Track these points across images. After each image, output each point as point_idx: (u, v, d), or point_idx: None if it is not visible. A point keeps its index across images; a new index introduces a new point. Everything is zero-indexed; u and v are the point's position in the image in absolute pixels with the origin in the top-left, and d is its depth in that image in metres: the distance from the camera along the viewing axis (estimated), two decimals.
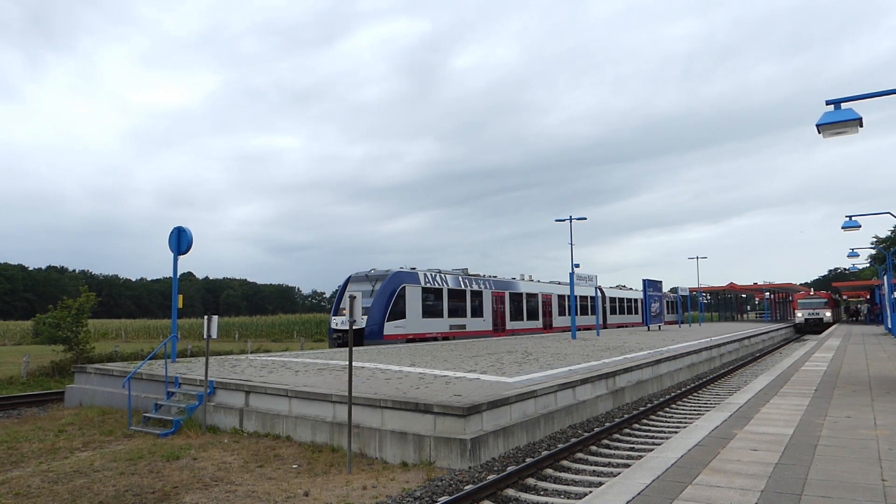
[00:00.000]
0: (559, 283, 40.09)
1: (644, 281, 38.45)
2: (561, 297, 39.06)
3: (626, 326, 48.09)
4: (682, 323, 49.10)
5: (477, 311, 30.95)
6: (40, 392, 17.43)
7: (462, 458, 8.34)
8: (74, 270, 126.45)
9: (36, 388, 18.73)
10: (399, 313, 25.92)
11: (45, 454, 9.96)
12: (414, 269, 28.24)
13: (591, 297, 40.93)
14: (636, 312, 52.19)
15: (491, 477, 7.82)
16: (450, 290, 29.20)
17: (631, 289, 55.09)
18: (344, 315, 21.26)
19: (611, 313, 46.25)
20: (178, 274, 16.34)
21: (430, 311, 27.84)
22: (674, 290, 52.33)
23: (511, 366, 14.22)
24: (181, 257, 16.05)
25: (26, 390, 18.26)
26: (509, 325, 33.46)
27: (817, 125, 9.68)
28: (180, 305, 17.37)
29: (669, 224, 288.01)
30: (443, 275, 29.35)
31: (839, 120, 9.52)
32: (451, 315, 28.93)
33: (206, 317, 11.79)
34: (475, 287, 31.11)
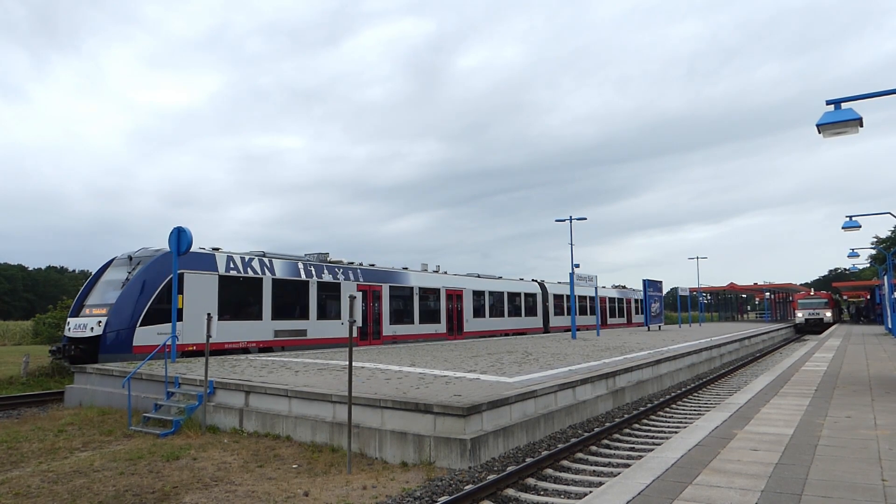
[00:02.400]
0: (478, 277, 33.07)
1: (644, 281, 38.43)
2: (479, 294, 31.81)
3: (578, 329, 42.31)
4: (682, 324, 49.02)
5: (329, 311, 23.09)
6: (40, 392, 17.42)
7: (462, 458, 8.34)
8: (74, 270, 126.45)
9: (36, 388, 18.72)
10: (161, 314, 17.40)
11: (45, 454, 9.96)
12: (216, 249, 20.16)
13: (528, 294, 35.95)
14: (593, 312, 43.57)
15: (491, 477, 7.82)
16: (276, 281, 21.23)
17: (605, 287, 49.26)
18: (88, 317, 17.43)
19: (556, 314, 39.35)
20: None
21: (235, 309, 19.81)
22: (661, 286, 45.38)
23: (511, 366, 14.21)
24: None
25: (26, 390, 18.25)
26: (388, 328, 25.74)
27: (817, 125, 9.68)
28: (180, 306, 17.36)
29: (670, 224, 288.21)
30: (267, 259, 21.56)
31: (839, 120, 9.52)
32: (279, 316, 21.09)
33: (206, 317, 11.80)
34: (327, 278, 23.23)
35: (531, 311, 36.57)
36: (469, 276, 32.35)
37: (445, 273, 31.23)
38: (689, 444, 6.85)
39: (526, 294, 36.20)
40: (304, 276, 22.41)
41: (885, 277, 36.97)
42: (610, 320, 46.44)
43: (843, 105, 9.69)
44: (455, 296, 30.11)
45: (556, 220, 30.53)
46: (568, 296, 39.74)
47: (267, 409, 10.98)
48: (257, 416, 10.98)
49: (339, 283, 23.81)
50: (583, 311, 42.38)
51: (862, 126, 9.58)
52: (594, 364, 14.72)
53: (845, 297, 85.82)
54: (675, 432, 10.96)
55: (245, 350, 19.97)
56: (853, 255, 34.13)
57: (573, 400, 11.88)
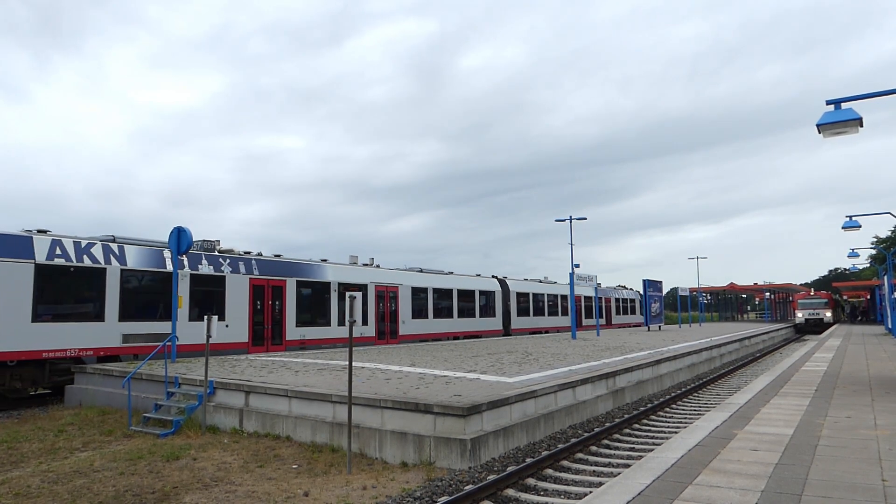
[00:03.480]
0: (420, 272, 29.25)
1: (644, 281, 38.43)
2: (420, 292, 27.91)
3: (545, 332, 37.20)
4: (680, 324, 49.00)
5: (209, 311, 18.64)
6: (40, 392, 17.41)
7: (462, 459, 8.34)
8: None
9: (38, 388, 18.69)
10: None
11: (45, 454, 9.96)
12: (42, 231, 16.33)
13: (484, 293, 32.11)
14: (566, 313, 40.35)
15: (491, 477, 7.82)
16: (128, 273, 17.33)
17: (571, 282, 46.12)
18: None
19: (520, 314, 35.32)
20: None
21: (62, 308, 15.97)
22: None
23: (511, 366, 14.21)
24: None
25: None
26: (294, 331, 21.78)
27: (817, 125, 9.68)
28: (180, 306, 17.37)
29: (671, 224, 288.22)
30: (116, 245, 17.47)
31: (839, 120, 9.52)
32: (131, 316, 17.16)
33: (206, 317, 11.80)
34: (206, 269, 19.26)
35: (488, 312, 32.47)
36: (408, 271, 28.67)
37: (377, 266, 27.05)
38: (689, 444, 6.85)
39: (481, 292, 31.99)
40: (171, 267, 18.04)
41: (885, 277, 36.97)
42: (588, 321, 42.74)
43: (843, 105, 9.69)
44: (388, 293, 26.04)
45: (556, 220, 30.53)
46: (535, 294, 37.18)
47: (267, 409, 10.98)
48: (257, 416, 10.98)
49: (224, 277, 19.63)
50: (557, 312, 39.61)
51: (862, 126, 9.59)
52: (594, 364, 14.71)
53: (845, 297, 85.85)
54: (675, 432, 10.96)
55: (78, 360, 16.19)
56: (853, 255, 34.13)
57: (573, 400, 11.88)
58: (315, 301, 22.96)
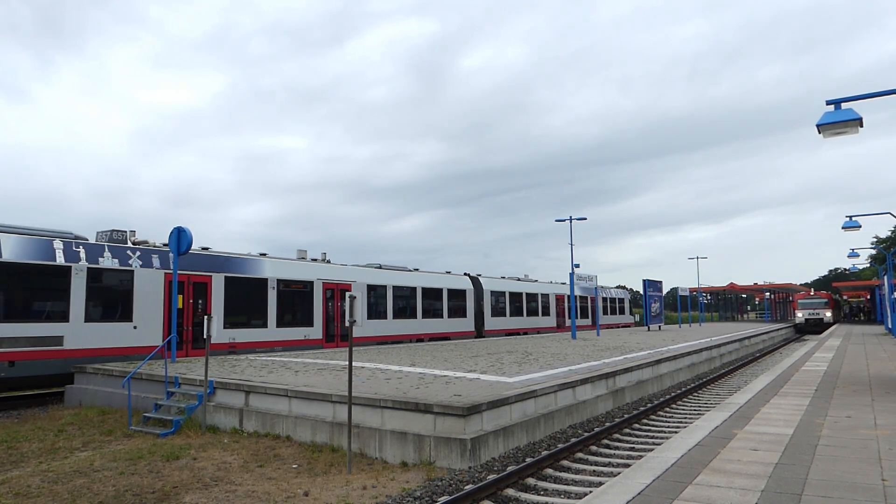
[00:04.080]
0: (378, 268, 26.99)
1: (644, 281, 38.44)
2: (377, 290, 25.35)
3: (524, 333, 34.66)
4: (678, 324, 49.00)
5: (111, 311, 16.77)
6: (40, 392, 17.41)
7: (462, 458, 8.34)
8: None
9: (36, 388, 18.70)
10: None
11: (45, 454, 9.96)
12: None
13: (453, 291, 29.57)
14: (546, 313, 37.82)
15: (491, 477, 7.82)
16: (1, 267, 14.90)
17: (547, 281, 41.23)
18: None
19: (495, 314, 32.80)
20: None
21: None
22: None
23: (511, 366, 14.21)
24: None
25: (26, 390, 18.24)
26: (223, 333, 19.24)
27: (817, 125, 9.68)
28: (180, 305, 17.36)
29: (671, 224, 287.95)
30: None
31: (839, 120, 9.53)
32: (6, 317, 14.86)
33: (206, 317, 11.80)
34: (108, 263, 16.84)
35: (457, 311, 29.86)
36: (364, 267, 26.13)
37: (328, 262, 24.41)
38: (689, 444, 6.85)
39: (450, 290, 29.36)
40: (62, 261, 15.83)
41: (885, 277, 36.97)
42: (569, 321, 40.27)
43: (843, 105, 9.69)
44: (340, 291, 23.63)
45: (556, 220, 30.52)
46: (513, 293, 34.51)
47: (267, 409, 10.98)
48: (257, 416, 10.98)
49: (132, 272, 17.21)
50: (537, 312, 36.72)
51: (862, 126, 9.59)
52: (594, 364, 14.72)
53: (845, 297, 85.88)
54: (675, 432, 10.96)
55: None
56: (853, 255, 34.14)
57: (573, 400, 11.88)
58: (248, 300, 20.20)
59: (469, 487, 7.35)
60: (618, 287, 50.59)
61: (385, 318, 25.86)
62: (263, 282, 20.80)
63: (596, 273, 47.28)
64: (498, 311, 33.24)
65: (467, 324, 30.81)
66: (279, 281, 21.27)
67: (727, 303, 77.59)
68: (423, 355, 17.72)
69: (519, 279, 37.31)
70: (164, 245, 18.46)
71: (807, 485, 5.19)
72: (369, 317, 25.05)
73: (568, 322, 38.26)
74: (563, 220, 30.19)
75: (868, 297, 71.41)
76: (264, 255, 21.96)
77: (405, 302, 27.04)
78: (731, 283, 61.84)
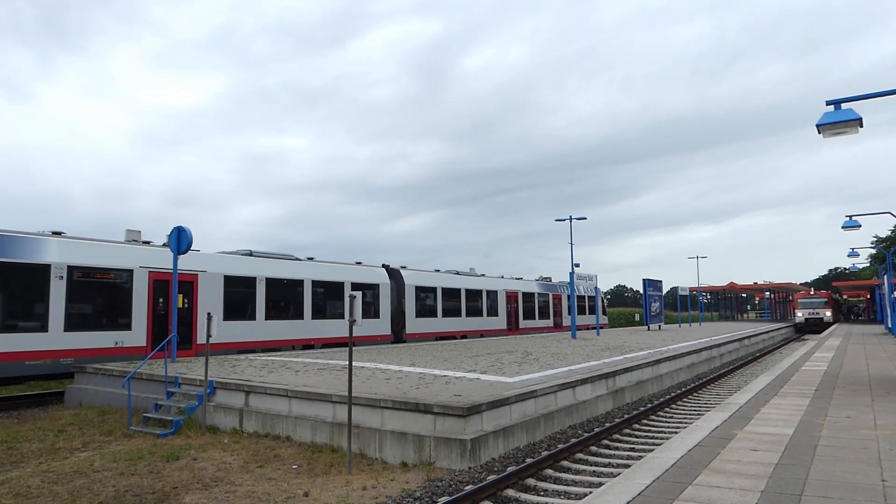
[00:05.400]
0: (249, 255, 21.40)
1: (644, 280, 38.44)
2: (241, 283, 20.17)
3: (461, 336, 29.87)
4: (677, 325, 48.95)
5: None
6: (40, 392, 17.43)
7: (462, 459, 8.34)
8: None
9: (36, 388, 18.72)
10: None
11: (45, 454, 9.96)
12: None
13: (360, 286, 24.41)
14: (493, 313, 32.75)
15: (491, 477, 7.82)
16: None
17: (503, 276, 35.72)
18: None
19: (421, 314, 27.73)
20: None
21: None
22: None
23: (511, 366, 14.21)
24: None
25: (26, 390, 18.26)
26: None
27: (817, 125, 9.68)
28: (180, 305, 17.36)
29: (672, 224, 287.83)
30: None
31: (839, 120, 9.53)
32: None
33: (206, 316, 11.80)
34: None
35: (369, 311, 25.00)
36: (222, 254, 20.52)
37: (164, 245, 18.42)
38: (688, 444, 6.85)
39: (357, 285, 24.19)
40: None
41: (885, 277, 36.98)
42: (526, 322, 35.69)
43: (843, 105, 9.69)
44: (181, 284, 18.06)
45: (556, 220, 30.53)
46: (447, 289, 29.44)
47: (267, 410, 10.98)
48: (257, 417, 10.98)
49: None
50: (481, 312, 31.73)
51: (862, 126, 9.59)
52: (594, 364, 14.72)
53: (845, 297, 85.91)
54: (675, 432, 10.97)
55: None
56: (853, 254, 34.15)
57: (573, 400, 11.88)
58: (25, 294, 15.59)
59: (469, 488, 7.35)
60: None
61: (253, 318, 20.37)
62: (45, 269, 15.64)
63: (596, 273, 46.55)
64: (425, 311, 27.96)
65: (381, 325, 25.50)
66: (72, 269, 16.18)
67: (727, 302, 77.64)
68: (423, 355, 17.72)
69: (458, 273, 32.09)
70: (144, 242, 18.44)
71: (807, 485, 5.19)
72: (228, 317, 19.59)
73: (524, 324, 35.04)
74: (563, 220, 30.21)
75: (868, 296, 71.41)
76: (59, 233, 16.82)
77: (286, 300, 21.66)
78: (731, 282, 61.86)
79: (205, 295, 19.02)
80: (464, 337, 30.00)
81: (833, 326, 49.59)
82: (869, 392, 10.78)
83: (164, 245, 18.47)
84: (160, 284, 17.97)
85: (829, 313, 53.87)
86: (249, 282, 20.48)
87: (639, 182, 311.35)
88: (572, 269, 29.32)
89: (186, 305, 18.58)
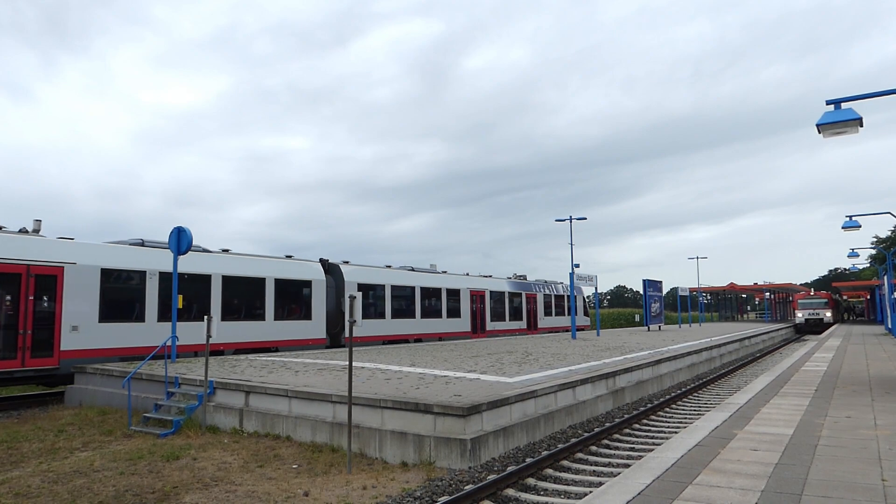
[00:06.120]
0: (140, 245, 18.31)
1: (644, 281, 38.46)
2: (122, 278, 17.27)
3: (415, 340, 26.86)
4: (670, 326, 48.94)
5: None
6: (40, 392, 17.43)
7: (462, 458, 8.34)
8: None
9: (36, 388, 18.73)
10: None
11: (45, 454, 9.96)
12: None
13: (288, 283, 21.34)
14: (455, 314, 29.49)
15: (491, 477, 7.82)
16: None
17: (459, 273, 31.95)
18: None
19: (368, 314, 24.49)
20: None
21: None
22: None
23: (511, 366, 14.21)
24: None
25: (26, 390, 18.26)
26: None
27: (817, 125, 9.68)
28: (180, 305, 17.35)
29: (672, 224, 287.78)
30: None
31: (839, 120, 9.53)
32: None
33: (206, 317, 11.80)
34: None
35: (296, 311, 21.69)
36: (109, 244, 17.66)
37: (25, 233, 16.06)
38: (689, 444, 6.85)
39: (282, 282, 21.10)
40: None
41: (885, 277, 36.99)
42: (494, 324, 32.45)
43: (843, 105, 9.69)
44: (38, 280, 15.36)
45: (556, 220, 30.52)
46: (397, 286, 26.32)
47: (267, 409, 10.98)
48: (257, 416, 10.98)
49: None
50: (429, 312, 28.03)
51: (862, 126, 9.59)
52: (594, 364, 14.72)
53: (845, 297, 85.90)
54: (675, 432, 10.96)
55: None
56: (853, 255, 34.18)
57: (573, 400, 11.88)
58: None
59: (469, 487, 7.36)
60: (544, 281, 40.47)
61: (142, 320, 17.49)
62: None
63: (596, 273, 46.30)
64: (371, 311, 24.95)
65: (313, 328, 22.28)
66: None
67: (727, 303, 77.63)
68: (423, 355, 17.73)
69: (413, 269, 29.09)
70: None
71: (807, 485, 5.19)
72: (106, 318, 16.67)
73: (492, 325, 32.09)
74: (563, 220, 30.21)
75: (868, 297, 71.42)
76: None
77: (189, 297, 18.52)
78: (731, 283, 61.85)
79: (74, 292, 16.06)
80: (418, 340, 27.00)
81: (833, 327, 49.58)
82: (869, 392, 10.78)
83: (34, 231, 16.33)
84: (10, 278, 14.95)
85: (829, 314, 53.86)
86: (138, 277, 17.58)
87: (639, 182, 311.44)
88: (572, 269, 29.33)
89: (48, 306, 15.58)
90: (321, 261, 24.19)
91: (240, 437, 10.70)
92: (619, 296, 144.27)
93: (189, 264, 18.38)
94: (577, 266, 29.74)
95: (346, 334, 21.46)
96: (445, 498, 7.03)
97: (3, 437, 11.18)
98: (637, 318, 56.05)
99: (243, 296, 20.13)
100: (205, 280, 19.10)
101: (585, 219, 29.72)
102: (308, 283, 22.39)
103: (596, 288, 32.87)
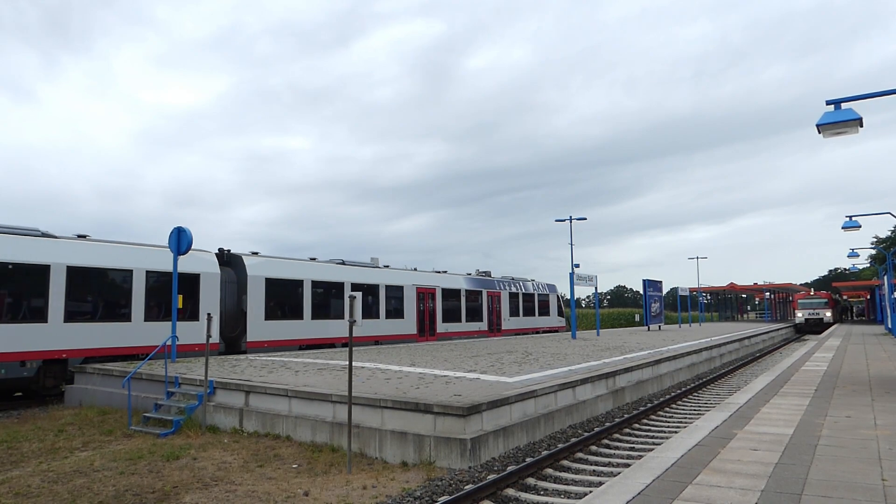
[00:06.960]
0: None
1: (644, 281, 38.46)
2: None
3: (331, 344, 22.89)
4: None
5: None
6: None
7: (462, 458, 8.34)
8: None
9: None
10: None
11: (45, 454, 9.96)
12: None
13: (165, 276, 17.73)
14: (397, 315, 26.34)
15: (491, 477, 7.82)
16: None
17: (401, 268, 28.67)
18: None
19: (270, 316, 20.75)
20: None
21: None
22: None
23: (511, 366, 14.22)
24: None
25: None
26: None
27: (817, 125, 9.68)
28: (180, 305, 17.35)
29: (673, 224, 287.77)
30: None
31: (839, 120, 9.53)
32: None
33: (206, 317, 11.80)
34: None
35: (182, 311, 17.57)
36: None
37: None
38: (688, 444, 6.85)
39: (153, 274, 17.72)
40: None
41: (885, 277, 36.99)
42: (447, 325, 29.32)
43: (843, 105, 9.69)
44: None
45: (556, 221, 30.53)
46: (319, 282, 22.74)
47: (267, 409, 10.98)
48: (257, 416, 10.98)
49: None
50: (376, 312, 25.21)
51: (862, 126, 9.59)
52: (594, 364, 14.72)
53: (845, 297, 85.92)
54: (675, 432, 10.96)
55: None
56: (853, 255, 34.18)
57: (573, 400, 11.88)
58: None
59: (469, 487, 7.36)
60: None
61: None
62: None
63: (596, 273, 46.37)
64: (284, 311, 21.43)
65: (201, 330, 18.26)
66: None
67: (727, 303, 77.65)
68: (422, 355, 17.73)
69: (343, 262, 25.34)
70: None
71: (807, 485, 5.20)
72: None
73: (444, 327, 29.25)
74: (564, 221, 30.22)
75: (868, 297, 71.42)
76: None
77: (24, 293, 15.33)
78: (731, 283, 61.86)
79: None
80: (344, 345, 23.01)
81: (833, 327, 49.58)
82: (869, 392, 10.78)
83: None
84: None
85: (829, 314, 53.87)
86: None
87: (640, 182, 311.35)
88: (572, 269, 29.34)
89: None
90: (220, 251, 21.08)
91: (240, 436, 10.70)
92: (619, 296, 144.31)
93: (25, 252, 15.27)
94: (578, 266, 29.74)
95: (249, 338, 20.21)
96: (445, 498, 7.03)
97: (3, 436, 11.18)
98: (637, 317, 56.06)
99: (103, 293, 16.76)
100: (42, 273, 15.43)
101: (585, 219, 29.75)
102: (195, 277, 18.78)
103: (596, 288, 32.89)
